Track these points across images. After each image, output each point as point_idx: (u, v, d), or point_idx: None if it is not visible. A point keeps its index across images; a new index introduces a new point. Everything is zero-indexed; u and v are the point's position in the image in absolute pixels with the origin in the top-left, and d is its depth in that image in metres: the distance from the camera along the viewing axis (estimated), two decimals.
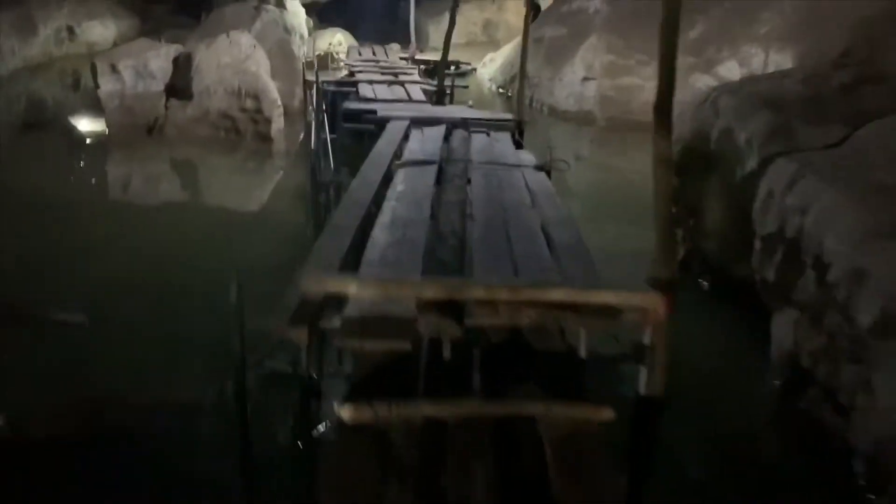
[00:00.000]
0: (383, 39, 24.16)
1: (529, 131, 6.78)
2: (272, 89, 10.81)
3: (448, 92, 8.76)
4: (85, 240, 6.82)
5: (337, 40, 19.75)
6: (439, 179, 4.67)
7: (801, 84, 5.32)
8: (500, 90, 17.85)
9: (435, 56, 21.49)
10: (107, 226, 7.41)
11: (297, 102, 12.41)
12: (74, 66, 17.75)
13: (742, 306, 5.21)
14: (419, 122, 6.11)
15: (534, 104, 15.52)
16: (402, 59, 11.91)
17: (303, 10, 19.76)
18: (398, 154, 5.16)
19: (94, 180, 9.58)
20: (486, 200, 4.00)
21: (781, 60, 10.22)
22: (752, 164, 5.03)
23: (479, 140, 5.67)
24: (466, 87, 9.73)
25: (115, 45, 21.77)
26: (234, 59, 10.76)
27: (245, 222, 8.08)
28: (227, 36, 10.99)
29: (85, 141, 10.59)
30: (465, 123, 6.10)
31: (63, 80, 17.45)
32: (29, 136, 11.72)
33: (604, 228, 7.76)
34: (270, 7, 17.21)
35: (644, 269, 2.67)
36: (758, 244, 4.73)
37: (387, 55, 11.66)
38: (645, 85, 13.48)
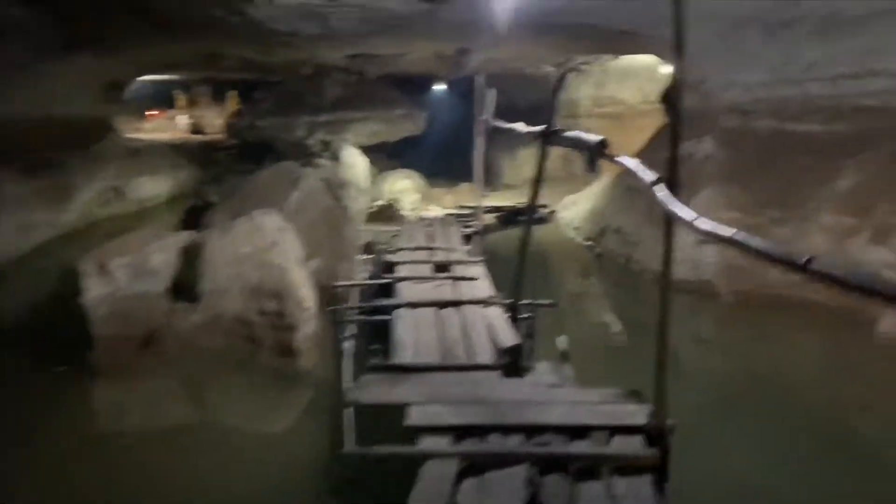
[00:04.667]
0: (455, 177, 22.35)
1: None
2: (301, 285, 8.46)
3: (524, 317, 6.05)
4: None
5: (400, 187, 17.74)
6: None
7: None
8: (588, 243, 15.13)
9: (509, 198, 19.31)
10: None
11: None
12: (122, 227, 16.42)
13: None
14: (477, 456, 3.37)
15: (631, 265, 12.72)
16: (467, 227, 9.36)
17: (361, 160, 17.99)
18: None
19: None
20: None
21: None
22: None
23: None
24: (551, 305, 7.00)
25: (172, 198, 20.69)
26: (255, 248, 8.55)
27: None
28: (250, 218, 8.85)
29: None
30: (562, 462, 3.32)
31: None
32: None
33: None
34: (323, 161, 15.50)
35: None
36: None
37: (447, 237, 9.16)
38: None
